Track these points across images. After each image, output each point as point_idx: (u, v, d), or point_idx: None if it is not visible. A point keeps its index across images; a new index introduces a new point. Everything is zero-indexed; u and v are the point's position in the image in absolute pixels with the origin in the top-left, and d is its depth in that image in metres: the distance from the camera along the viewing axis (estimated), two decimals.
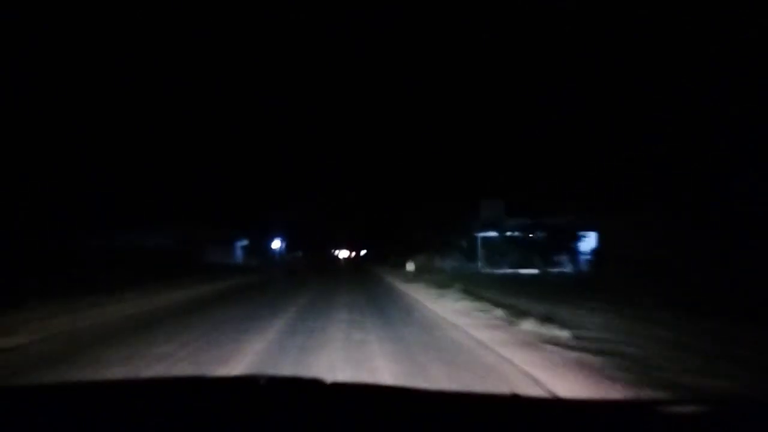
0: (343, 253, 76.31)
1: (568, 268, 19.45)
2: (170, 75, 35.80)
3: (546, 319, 7.16)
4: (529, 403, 1.52)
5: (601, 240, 18.80)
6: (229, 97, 45.51)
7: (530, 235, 21.79)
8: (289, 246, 47.31)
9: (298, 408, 1.26)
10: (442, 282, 14.96)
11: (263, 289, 15.01)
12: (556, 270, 19.33)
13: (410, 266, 21.57)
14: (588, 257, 19.12)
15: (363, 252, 69.37)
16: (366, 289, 14.85)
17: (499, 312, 8.33)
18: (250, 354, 5.36)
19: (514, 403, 1.39)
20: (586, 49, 20.91)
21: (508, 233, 22.78)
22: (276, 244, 39.65)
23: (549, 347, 5.55)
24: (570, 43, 22.23)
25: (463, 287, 12.34)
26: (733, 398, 3.36)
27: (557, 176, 24.67)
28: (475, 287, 12.76)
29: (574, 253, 18.96)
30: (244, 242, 34.86)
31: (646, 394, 3.69)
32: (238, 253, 33.49)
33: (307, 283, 17.68)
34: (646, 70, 17.56)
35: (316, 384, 1.49)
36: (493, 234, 22.79)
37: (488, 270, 22.46)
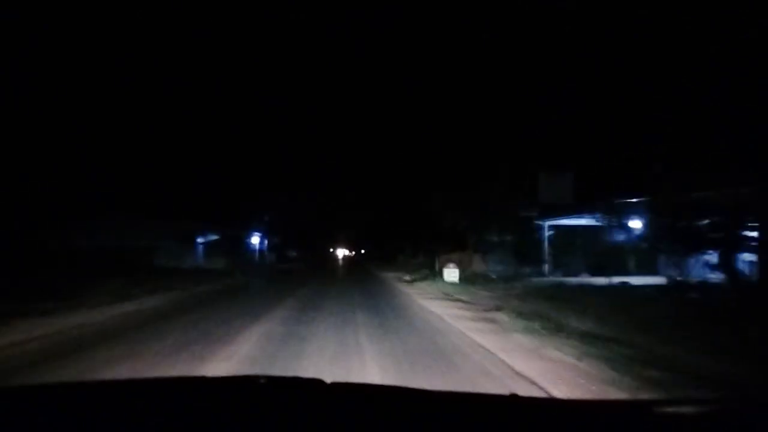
0: (341, 252, 72.83)
1: (715, 275, 11.77)
2: (169, 73, 33.08)
3: None
4: (529, 404, 1.46)
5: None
6: (228, 94, 43.27)
7: (630, 224, 14.17)
8: (283, 244, 39.92)
9: (298, 408, 1.21)
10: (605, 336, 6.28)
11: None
12: (695, 280, 11.68)
13: (452, 274, 13.40)
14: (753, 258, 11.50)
15: (362, 251, 65.00)
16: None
17: None
18: None
19: (514, 403, 1.32)
20: (584, 46, 20.39)
21: (580, 221, 15.14)
22: (255, 240, 31.52)
23: None
24: (568, 41, 21.91)
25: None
26: (733, 398, 2.84)
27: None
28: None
29: (737, 250, 11.19)
30: (213, 237, 26.94)
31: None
32: (200, 252, 25.52)
33: (281, 307, 10.03)
34: (646, 70, 16.83)
35: (316, 384, 1.39)
36: (576, 221, 15.08)
37: (563, 277, 14.79)
